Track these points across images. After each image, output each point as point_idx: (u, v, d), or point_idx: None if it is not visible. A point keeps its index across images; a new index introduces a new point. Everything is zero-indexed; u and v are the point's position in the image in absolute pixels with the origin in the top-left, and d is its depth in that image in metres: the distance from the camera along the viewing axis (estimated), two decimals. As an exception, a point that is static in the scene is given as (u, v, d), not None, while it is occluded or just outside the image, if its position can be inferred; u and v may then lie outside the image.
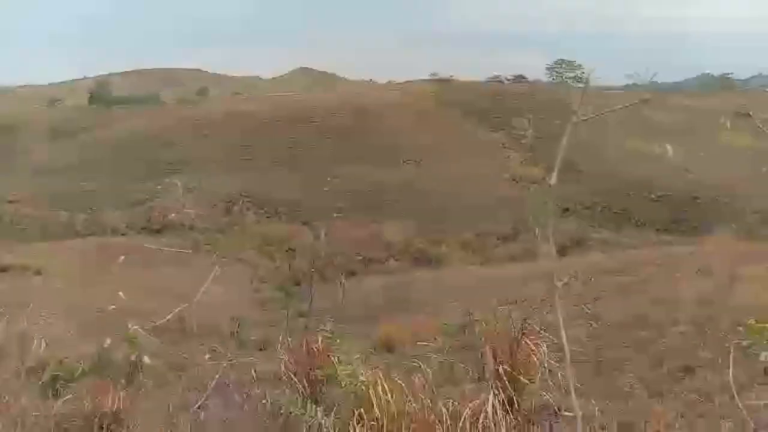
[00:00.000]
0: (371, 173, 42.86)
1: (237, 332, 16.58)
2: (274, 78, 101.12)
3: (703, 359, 7.89)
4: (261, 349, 13.69)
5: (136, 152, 46.90)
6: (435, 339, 10.02)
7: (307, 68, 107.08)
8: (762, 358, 2.75)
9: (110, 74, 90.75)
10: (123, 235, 34.72)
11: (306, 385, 5.70)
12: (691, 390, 6.79)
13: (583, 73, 69.77)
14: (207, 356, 7.11)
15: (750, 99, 49.59)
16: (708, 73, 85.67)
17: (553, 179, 2.21)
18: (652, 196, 38.83)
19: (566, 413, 4.87)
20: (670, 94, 66.15)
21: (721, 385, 6.26)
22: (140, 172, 43.49)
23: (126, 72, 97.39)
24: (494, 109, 53.13)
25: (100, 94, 70.61)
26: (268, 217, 39.69)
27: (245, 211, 39.79)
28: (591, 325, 10.55)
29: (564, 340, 2.30)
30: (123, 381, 5.77)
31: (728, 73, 79.45)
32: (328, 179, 43.04)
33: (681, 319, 10.45)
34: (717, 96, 59.45)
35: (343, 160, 45.10)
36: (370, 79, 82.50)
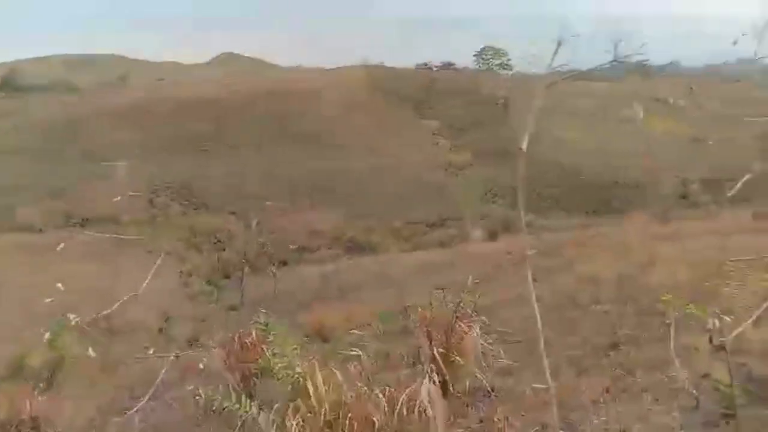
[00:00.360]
0: (301, 161, 42.40)
1: (165, 328, 16.10)
2: (198, 64, 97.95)
3: (625, 336, 8.22)
4: (191, 345, 13.33)
5: (51, 142, 44.45)
6: (370, 326, 10.03)
7: (233, 54, 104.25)
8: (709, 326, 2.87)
9: (19, 60, 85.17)
10: (40, 230, 32.89)
11: (240, 379, 5.57)
12: (616, 365, 7.07)
13: (509, 59, 71.67)
14: (137, 356, 6.83)
15: (666, 85, 52.08)
16: (624, 60, 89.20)
17: (524, 144, 2.19)
18: (576, 181, 40.28)
19: (537, 386, 4.97)
20: (590, 81, 68.59)
21: (644, 360, 6.55)
22: (57, 162, 41.27)
23: (40, 58, 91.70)
24: (425, 96, 53.61)
25: (10, 81, 66.39)
26: (195, 209, 38.62)
27: (170, 202, 38.53)
28: (520, 306, 10.84)
29: (536, 311, 2.31)
30: (42, 384, 5.46)
31: (645, 60, 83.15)
32: (257, 167, 42.25)
33: (604, 298, 10.89)
34: (634, 82, 62.12)
35: (272, 148, 44.41)
36: (299, 66, 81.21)
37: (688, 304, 6.15)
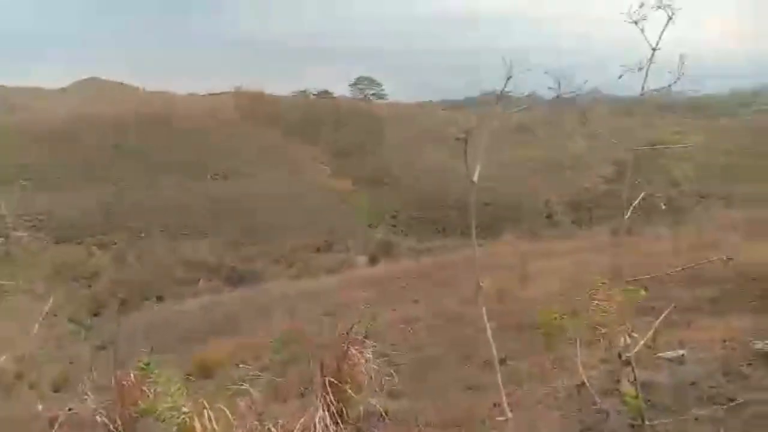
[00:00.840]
0: (176, 190, 40.65)
1: (25, 373, 14.62)
2: (59, 89, 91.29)
3: (508, 350, 8.60)
4: (57, 391, 12.19)
5: None
6: (258, 358, 9.73)
7: (96, 78, 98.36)
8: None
9: None
10: None
11: (121, 425, 5.15)
12: (502, 380, 7.35)
13: (383, 89, 73.82)
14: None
15: (529, 114, 55.81)
16: (490, 92, 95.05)
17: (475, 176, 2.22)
18: (449, 204, 41.94)
19: (499, 418, 4.99)
20: (464, 108, 72.23)
21: (527, 372, 6.88)
22: None
23: None
24: (303, 122, 53.65)
25: None
26: (57, 243, 35.63)
27: (28, 236, 35.32)
28: (410, 329, 11.02)
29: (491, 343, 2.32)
30: None
31: (508, 91, 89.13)
32: (127, 197, 39.93)
33: (487, 314, 11.36)
34: (498, 112, 66.08)
35: (142, 176, 42.24)
36: (169, 91, 78.13)
37: (563, 317, 6.57)
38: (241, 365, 8.35)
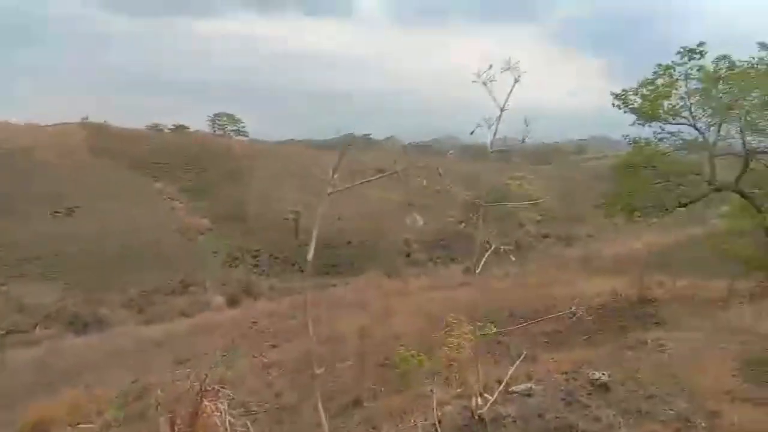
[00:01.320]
0: (8, 228, 36.63)
1: None
2: None
3: (368, 390, 8.61)
4: None
5: None
6: (102, 413, 8.85)
7: None
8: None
9: None
10: None
11: None
12: (360, 421, 7.31)
13: (244, 126, 72.76)
14: None
15: (386, 157, 57.67)
16: (351, 133, 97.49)
17: (309, 255, 2.13)
18: (312, 242, 41.78)
19: None
20: (323, 150, 73.12)
21: (385, 412, 6.89)
22: None
23: None
24: (156, 158, 51.11)
25: None
26: None
27: None
28: (269, 373, 10.66)
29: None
30: None
31: (369, 134, 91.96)
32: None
33: (347, 354, 11.32)
34: (360, 153, 67.84)
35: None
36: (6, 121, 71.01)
37: (420, 356, 6.71)
38: (81, 424, 7.53)
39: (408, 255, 40.51)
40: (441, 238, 41.39)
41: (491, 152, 3.92)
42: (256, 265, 39.65)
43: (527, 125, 3.69)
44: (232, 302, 30.14)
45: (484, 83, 3.49)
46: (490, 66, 3.55)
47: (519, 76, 3.55)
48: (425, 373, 6.79)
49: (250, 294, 32.25)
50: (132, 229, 39.46)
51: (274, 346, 12.56)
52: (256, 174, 50.38)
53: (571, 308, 12.19)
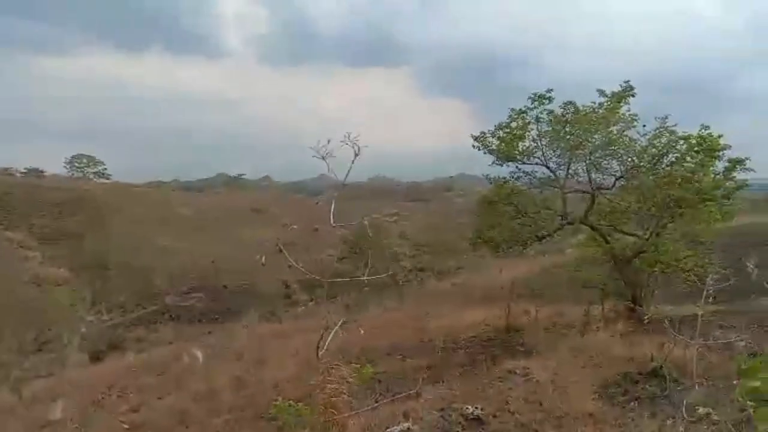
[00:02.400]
0: None
1: None
2: None
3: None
4: None
5: None
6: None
7: None
8: None
9: None
10: None
11: None
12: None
13: (105, 168, 68.61)
14: None
15: (261, 197, 56.93)
16: (224, 173, 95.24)
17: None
18: (184, 288, 39.90)
19: None
20: (195, 191, 70.71)
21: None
22: None
23: None
24: (5, 204, 46.68)
25: None
26: None
27: None
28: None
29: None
30: None
31: (242, 174, 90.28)
32: None
33: (223, 408, 10.79)
34: (234, 194, 66.34)
35: None
36: None
37: (297, 405, 6.55)
38: None
39: (287, 296, 39.83)
40: (319, 276, 41.23)
41: (333, 225, 4.05)
42: (121, 316, 37.00)
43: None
44: (96, 358, 27.82)
45: (323, 157, 3.63)
46: (329, 141, 3.72)
47: (359, 149, 3.73)
48: (304, 422, 6.64)
49: (116, 348, 30.02)
50: (-25, 284, 35.51)
51: (134, 410, 11.66)
52: (121, 218, 47.47)
53: (443, 342, 12.57)
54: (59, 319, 34.22)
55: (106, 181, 65.30)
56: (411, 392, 8.99)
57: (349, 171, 3.84)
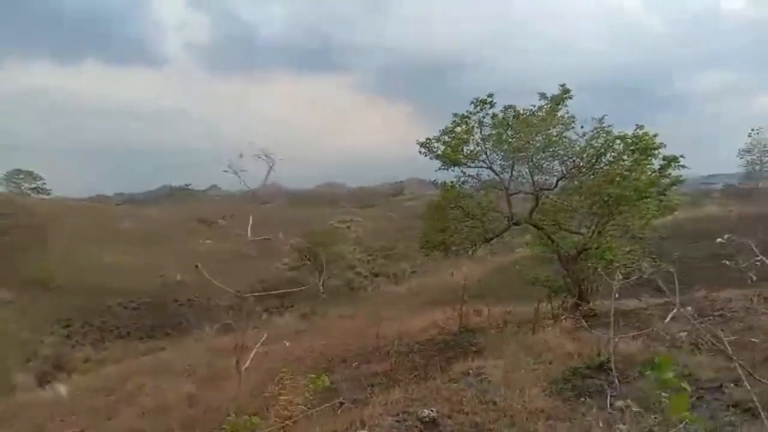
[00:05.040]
0: None
1: None
2: None
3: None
4: None
5: None
6: None
7: None
8: None
9: None
10: None
11: None
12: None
13: (45, 183, 66.15)
14: None
15: (208, 207, 55.91)
16: (168, 185, 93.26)
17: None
18: (133, 305, 38.81)
19: None
20: (139, 204, 68.89)
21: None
22: None
23: None
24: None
25: None
26: None
27: None
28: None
29: None
30: None
31: (188, 184, 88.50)
32: None
33: (174, 425, 10.58)
34: (180, 205, 64.98)
35: None
36: None
37: (252, 419, 6.52)
38: None
39: (240, 308, 39.21)
40: (274, 286, 40.74)
41: (249, 240, 4.18)
42: (68, 336, 35.67)
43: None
44: (42, 380, 26.78)
45: (235, 172, 3.74)
46: (240, 155, 3.84)
47: (273, 164, 3.87)
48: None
49: (62, 369, 28.99)
50: None
51: (83, 431, 11.31)
52: (62, 235, 45.84)
53: (398, 347, 12.66)
54: (3, 342, 32.77)
55: (46, 196, 62.94)
56: (366, 398, 9.04)
57: (265, 181, 3.94)
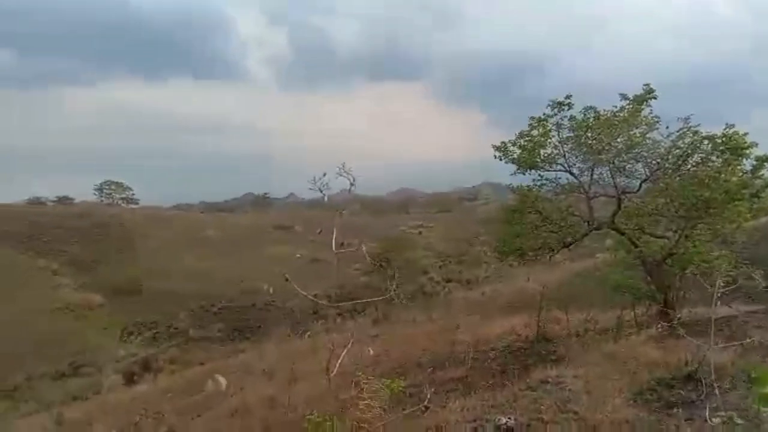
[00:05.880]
0: None
1: None
2: None
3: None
4: None
5: None
6: None
7: None
8: None
9: None
10: None
11: None
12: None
13: (134, 194, 69.92)
14: None
15: (287, 214, 57.35)
16: (251, 193, 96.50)
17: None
18: (214, 309, 40.31)
19: None
20: (223, 212, 71.61)
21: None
22: None
23: None
24: (37, 232, 47.80)
25: None
26: None
27: None
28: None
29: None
30: None
31: (267, 193, 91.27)
32: None
33: (255, 425, 10.87)
34: (260, 213, 67.04)
35: None
36: None
37: (331, 418, 6.59)
38: None
39: (315, 312, 39.93)
40: (348, 292, 41.25)
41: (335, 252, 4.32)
42: (154, 339, 37.51)
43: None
44: (130, 380, 28.26)
45: (320, 190, 3.85)
46: (324, 174, 3.94)
47: (354, 180, 3.98)
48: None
49: (149, 369, 30.45)
50: (13, 311, 36.37)
51: (174, 428, 11.83)
52: (149, 242, 48.28)
53: (474, 353, 12.49)
54: (94, 343, 34.84)
55: (135, 206, 66.53)
56: (443, 403, 8.97)
57: (345, 207, 4.17)
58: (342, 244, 5.58)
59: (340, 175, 3.84)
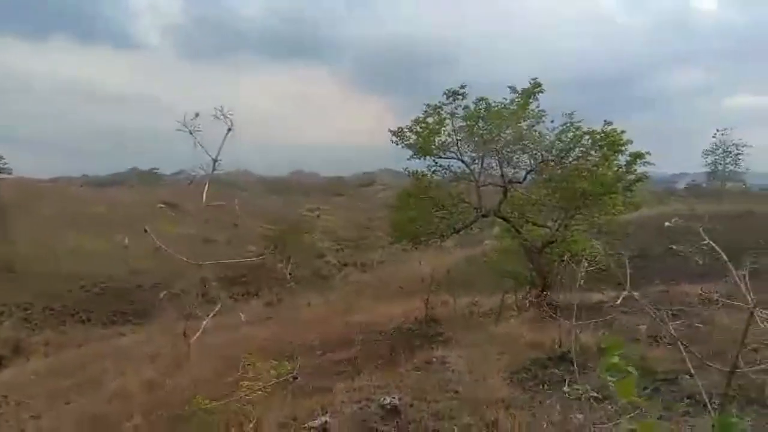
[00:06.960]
0: None
1: None
2: None
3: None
4: None
5: None
6: None
7: None
8: None
9: None
10: None
11: None
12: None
13: (6, 163, 64.05)
14: None
15: (175, 191, 54.95)
16: (136, 168, 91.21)
17: None
18: (96, 289, 38.05)
19: None
20: (105, 187, 67.46)
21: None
22: None
23: None
24: None
25: None
26: None
27: None
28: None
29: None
30: None
31: (155, 168, 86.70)
32: None
33: (135, 410, 10.41)
34: (147, 189, 63.84)
35: None
36: None
37: (212, 402, 6.44)
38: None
39: (204, 294, 38.77)
40: (241, 275, 40.40)
41: (204, 206, 3.95)
42: (26, 320, 34.83)
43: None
44: None
45: (190, 131, 3.51)
46: (197, 114, 3.60)
47: (232, 125, 3.65)
48: (220, 419, 6.55)
49: (21, 353, 28.33)
50: None
51: (34, 417, 11.05)
52: (25, 217, 44.67)
53: (364, 335, 12.66)
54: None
55: (8, 176, 61.04)
56: (330, 386, 9.03)
57: (221, 146, 3.77)
58: (220, 204, 5.28)
59: (217, 117, 3.54)
